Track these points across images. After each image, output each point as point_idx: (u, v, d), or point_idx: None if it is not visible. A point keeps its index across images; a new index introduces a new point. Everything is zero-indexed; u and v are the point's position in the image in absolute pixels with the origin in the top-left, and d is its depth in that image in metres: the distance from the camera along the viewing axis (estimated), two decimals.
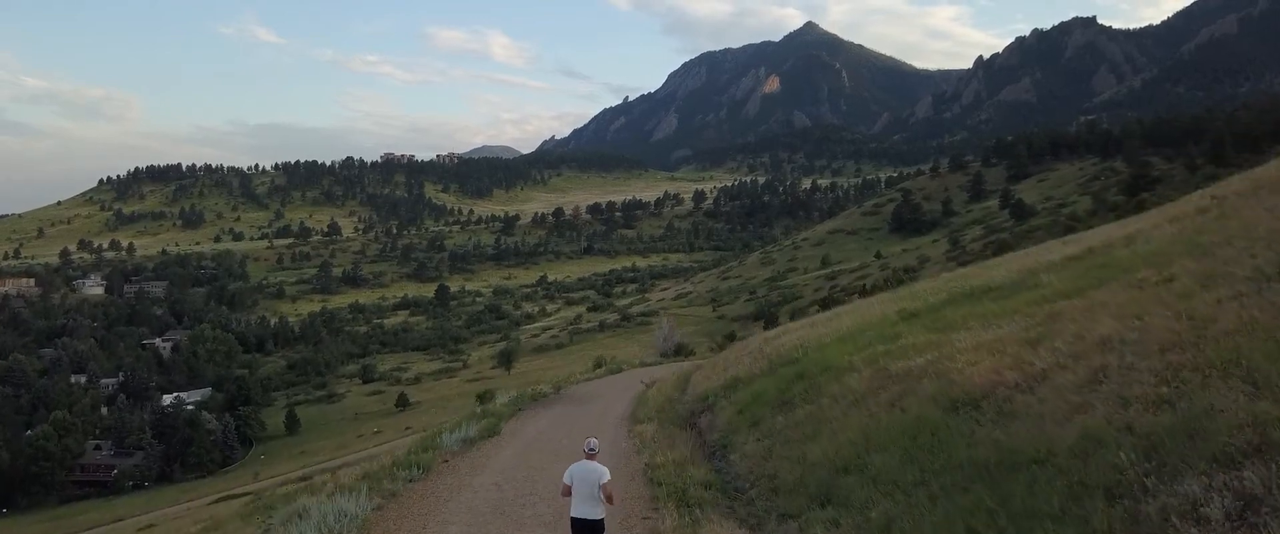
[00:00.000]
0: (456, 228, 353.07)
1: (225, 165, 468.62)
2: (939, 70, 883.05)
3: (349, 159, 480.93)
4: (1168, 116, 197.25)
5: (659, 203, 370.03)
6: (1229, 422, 5.82)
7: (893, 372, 11.92)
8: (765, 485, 10.81)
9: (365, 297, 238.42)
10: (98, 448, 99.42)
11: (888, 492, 8.14)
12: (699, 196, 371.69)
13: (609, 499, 8.41)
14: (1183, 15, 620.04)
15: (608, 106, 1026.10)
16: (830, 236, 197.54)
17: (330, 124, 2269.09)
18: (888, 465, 8.70)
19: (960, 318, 14.31)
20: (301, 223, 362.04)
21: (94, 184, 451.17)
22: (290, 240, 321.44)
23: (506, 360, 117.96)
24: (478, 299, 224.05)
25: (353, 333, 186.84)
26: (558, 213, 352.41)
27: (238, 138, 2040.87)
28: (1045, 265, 17.50)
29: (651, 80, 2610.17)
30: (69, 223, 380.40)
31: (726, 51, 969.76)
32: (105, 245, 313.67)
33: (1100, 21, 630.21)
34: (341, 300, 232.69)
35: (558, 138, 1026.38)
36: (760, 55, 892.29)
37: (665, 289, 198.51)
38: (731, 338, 77.01)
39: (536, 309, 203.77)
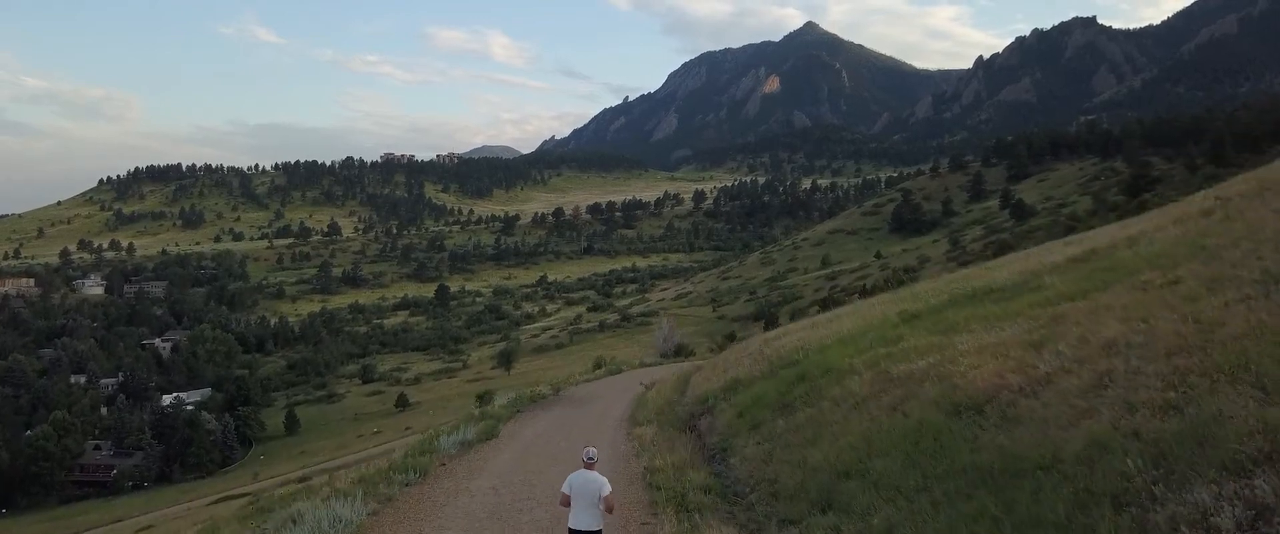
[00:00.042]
0: (456, 228, 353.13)
1: (225, 165, 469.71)
2: (939, 70, 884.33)
3: (349, 159, 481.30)
4: (1168, 116, 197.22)
5: (659, 203, 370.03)
6: (1239, 428, 5.69)
7: (894, 375, 11.79)
8: (765, 490, 10.68)
9: (365, 297, 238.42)
10: (97, 448, 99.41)
11: (890, 497, 8.02)
12: (699, 197, 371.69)
13: (609, 511, 8.33)
14: (1183, 15, 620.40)
15: (608, 106, 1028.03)
16: (830, 237, 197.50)
17: (330, 124, 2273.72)
18: (890, 470, 8.58)
19: (962, 320, 14.19)
20: (301, 223, 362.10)
21: (94, 184, 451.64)
22: (290, 240, 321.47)
23: (506, 361, 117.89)
24: (478, 299, 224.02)
25: (353, 333, 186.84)
26: (558, 213, 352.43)
27: (238, 138, 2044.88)
28: (1047, 267, 17.37)
29: (651, 80, 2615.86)
30: (69, 223, 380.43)
31: (726, 51, 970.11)
32: (105, 245, 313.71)
33: (1100, 21, 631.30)
34: (341, 300, 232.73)
35: (558, 138, 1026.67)
36: (760, 55, 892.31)
37: (665, 289, 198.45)
38: (731, 338, 76.99)
39: (536, 309, 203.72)
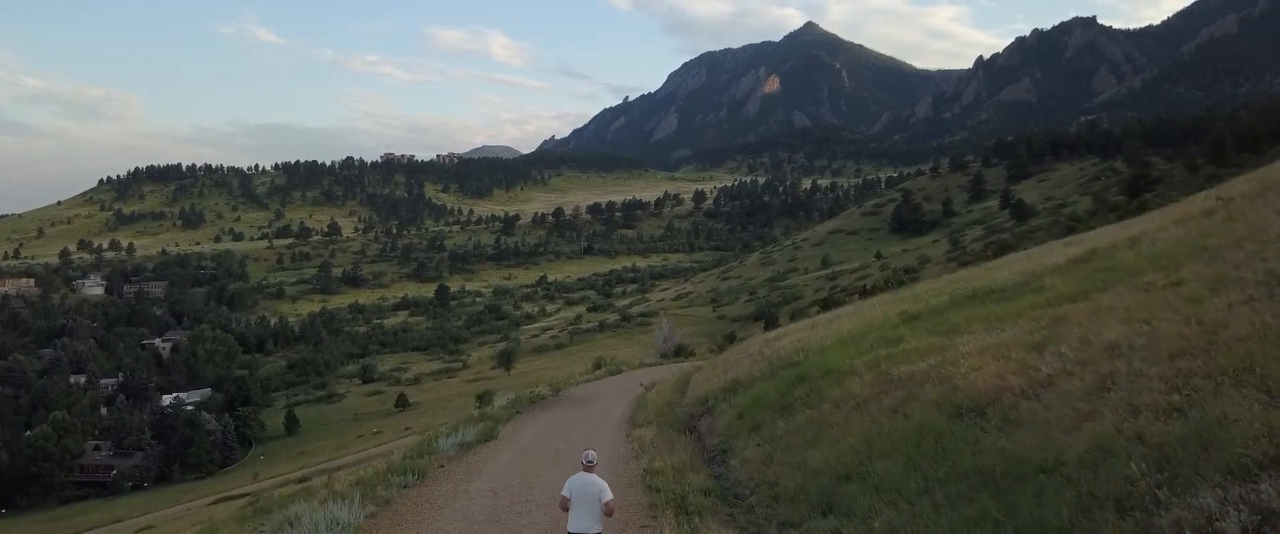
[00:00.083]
0: (456, 228, 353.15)
1: (225, 165, 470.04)
2: (939, 70, 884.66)
3: (349, 159, 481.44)
4: (1168, 116, 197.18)
5: (659, 203, 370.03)
6: (1244, 432, 5.63)
7: (895, 376, 11.72)
8: (766, 493, 10.62)
9: (365, 297, 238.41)
10: (97, 448, 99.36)
11: (891, 501, 7.96)
12: (699, 197, 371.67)
13: (609, 514, 8.30)
14: (1183, 15, 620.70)
15: (608, 106, 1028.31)
16: (830, 237, 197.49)
17: (330, 124, 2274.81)
18: (891, 473, 8.51)
19: (963, 321, 14.12)
20: (301, 223, 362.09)
21: (94, 184, 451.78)
22: (290, 240, 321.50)
23: (506, 361, 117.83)
24: (478, 299, 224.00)
25: (352, 333, 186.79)
26: (558, 213, 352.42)
27: (238, 138, 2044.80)
28: (1048, 267, 17.31)
29: (651, 80, 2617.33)
30: (69, 223, 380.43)
31: (726, 51, 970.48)
32: (105, 245, 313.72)
33: (1100, 21, 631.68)
34: (341, 300, 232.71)
35: (558, 138, 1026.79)
36: (760, 55, 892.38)
37: (665, 289, 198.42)
38: (731, 338, 76.95)
39: (536, 309, 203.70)
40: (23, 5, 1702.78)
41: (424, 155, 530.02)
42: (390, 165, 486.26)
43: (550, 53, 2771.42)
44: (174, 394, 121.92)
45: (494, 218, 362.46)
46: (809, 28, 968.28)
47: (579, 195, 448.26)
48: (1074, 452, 6.73)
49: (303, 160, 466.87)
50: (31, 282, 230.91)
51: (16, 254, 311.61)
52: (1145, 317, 9.18)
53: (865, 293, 68.61)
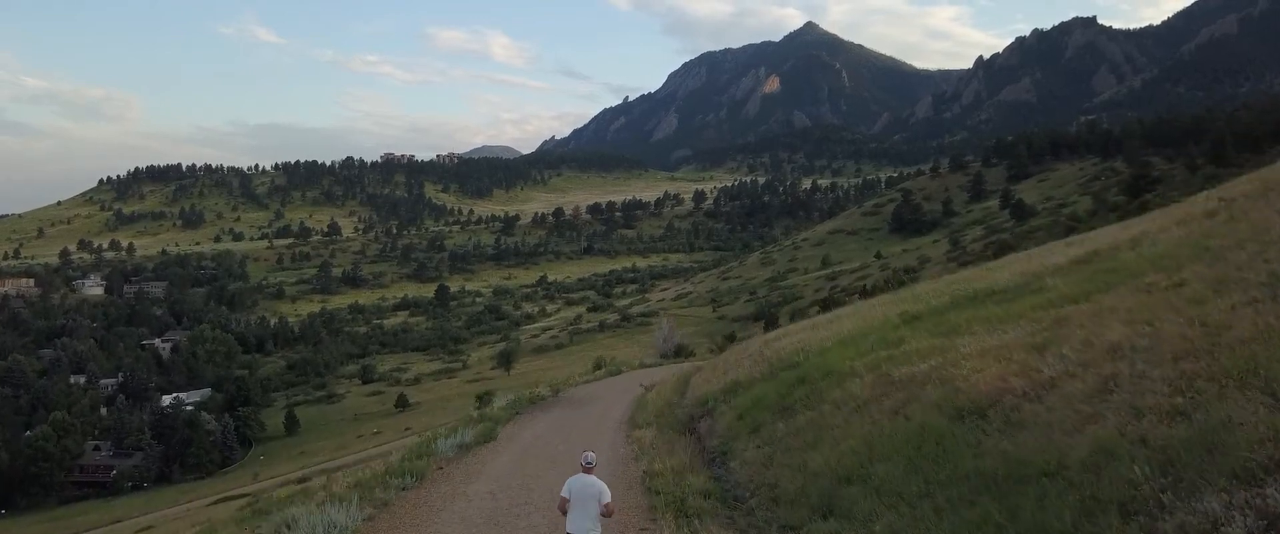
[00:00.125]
0: (456, 228, 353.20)
1: (225, 165, 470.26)
2: (939, 70, 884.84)
3: (349, 159, 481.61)
4: (1168, 116, 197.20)
5: (659, 203, 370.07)
6: (1249, 435, 5.57)
7: (896, 378, 11.66)
8: (766, 495, 10.56)
9: (365, 297, 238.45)
10: (97, 449, 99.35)
11: (892, 503, 7.90)
12: (699, 197, 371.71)
13: (608, 516, 8.27)
14: (1183, 15, 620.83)
15: (608, 106, 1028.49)
16: (830, 237, 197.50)
17: (330, 124, 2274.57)
18: (891, 476, 8.46)
19: (964, 322, 14.05)
20: (301, 223, 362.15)
21: (94, 184, 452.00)
22: (290, 240, 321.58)
23: (506, 361, 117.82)
24: (478, 299, 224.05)
25: (352, 333, 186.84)
26: (558, 213, 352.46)
27: (238, 138, 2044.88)
28: (1049, 268, 17.24)
29: (651, 80, 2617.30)
30: (69, 223, 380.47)
31: (726, 51, 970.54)
32: (105, 245, 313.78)
33: (1100, 21, 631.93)
34: (341, 301, 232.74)
35: (558, 138, 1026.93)
36: (760, 55, 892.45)
37: (665, 289, 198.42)
38: (731, 339, 76.92)
39: (536, 309, 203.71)
40: (23, 5, 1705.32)
41: (424, 155, 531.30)
42: (390, 165, 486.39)
43: (550, 53, 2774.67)
44: (174, 394, 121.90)
45: (494, 218, 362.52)
46: (809, 28, 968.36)
47: (579, 195, 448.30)
48: (1077, 454, 6.67)
49: (303, 160, 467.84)
50: (31, 282, 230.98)
51: (16, 254, 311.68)
52: (1148, 318, 9.12)
53: (865, 293, 68.56)
